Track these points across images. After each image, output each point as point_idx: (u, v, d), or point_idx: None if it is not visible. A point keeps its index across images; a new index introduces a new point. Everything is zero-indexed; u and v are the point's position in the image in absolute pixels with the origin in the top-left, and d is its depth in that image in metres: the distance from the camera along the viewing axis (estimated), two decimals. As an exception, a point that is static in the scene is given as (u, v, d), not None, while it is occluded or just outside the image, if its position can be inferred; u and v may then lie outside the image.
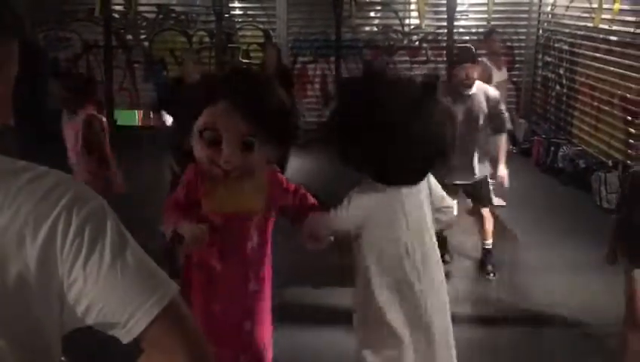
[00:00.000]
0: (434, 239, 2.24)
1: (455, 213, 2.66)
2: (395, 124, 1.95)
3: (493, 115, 3.83)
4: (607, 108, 6.28)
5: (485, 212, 4.03)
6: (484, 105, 3.80)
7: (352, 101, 2.08)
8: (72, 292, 0.83)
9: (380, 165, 2.02)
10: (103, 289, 0.82)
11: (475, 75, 3.75)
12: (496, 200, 5.03)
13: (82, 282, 0.82)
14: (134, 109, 8.67)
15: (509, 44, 8.41)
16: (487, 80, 4.64)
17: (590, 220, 5.24)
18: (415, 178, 2.10)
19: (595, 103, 6.56)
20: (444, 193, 2.33)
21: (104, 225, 0.85)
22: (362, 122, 1.97)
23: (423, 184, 2.17)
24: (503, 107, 3.90)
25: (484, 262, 4.14)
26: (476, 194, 4.03)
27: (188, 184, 1.85)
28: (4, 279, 0.80)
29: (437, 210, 2.26)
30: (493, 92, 3.87)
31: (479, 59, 4.31)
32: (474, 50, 3.84)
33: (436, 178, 2.29)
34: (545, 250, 4.58)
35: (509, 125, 3.91)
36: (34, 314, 0.83)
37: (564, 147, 6.53)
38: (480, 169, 3.90)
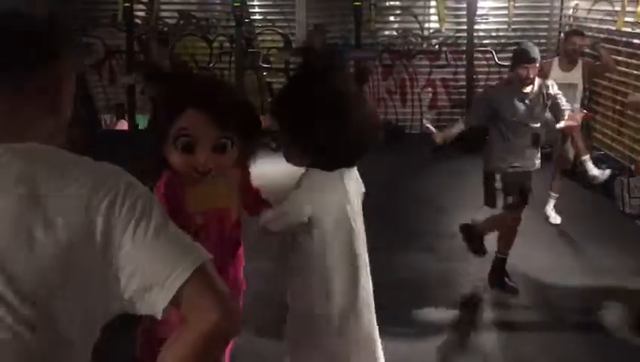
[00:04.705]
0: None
1: None
2: (336, 112, 2.07)
3: (553, 106, 3.88)
4: (630, 111, 6.20)
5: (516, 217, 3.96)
6: (544, 98, 3.81)
7: (297, 95, 2.14)
8: (120, 257, 0.96)
9: (328, 151, 2.12)
10: (147, 252, 0.97)
11: (534, 75, 3.76)
12: (553, 218, 5.06)
13: (130, 246, 0.96)
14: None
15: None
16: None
17: (613, 225, 5.18)
18: (357, 157, 2.27)
19: (618, 107, 6.47)
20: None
21: (151, 204, 1.02)
22: (307, 115, 2.06)
23: (354, 170, 2.32)
24: (562, 100, 3.91)
25: (507, 273, 4.06)
26: (522, 188, 3.91)
27: (166, 190, 1.93)
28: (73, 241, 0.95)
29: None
30: (552, 88, 3.87)
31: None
32: (537, 50, 3.81)
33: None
34: (567, 255, 4.53)
35: (566, 115, 3.94)
36: (90, 289, 0.97)
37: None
38: (537, 159, 3.91)
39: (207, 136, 1.85)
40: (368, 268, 2.35)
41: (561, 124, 4.01)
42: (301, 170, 2.20)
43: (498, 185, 3.85)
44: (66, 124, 1.14)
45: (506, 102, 3.76)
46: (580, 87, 5.14)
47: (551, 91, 3.85)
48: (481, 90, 8.27)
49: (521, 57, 3.72)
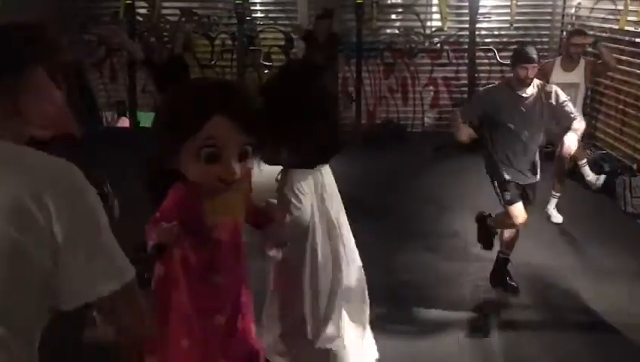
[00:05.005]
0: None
1: None
2: (314, 111, 2.12)
3: (561, 115, 3.75)
4: (632, 111, 6.19)
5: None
6: (544, 105, 3.73)
7: (277, 97, 2.13)
8: (60, 256, 1.05)
9: (309, 150, 2.18)
10: (84, 259, 1.07)
11: (533, 75, 3.71)
12: (555, 217, 5.05)
13: (70, 249, 1.05)
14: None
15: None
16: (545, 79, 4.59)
17: (614, 225, 5.17)
18: (334, 154, 2.32)
19: (620, 106, 6.46)
20: None
21: (98, 212, 1.11)
22: (288, 116, 2.09)
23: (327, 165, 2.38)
24: (570, 107, 3.78)
25: (509, 272, 4.05)
26: (527, 194, 3.89)
27: (183, 204, 1.79)
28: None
29: None
30: (559, 96, 3.75)
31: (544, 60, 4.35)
32: (536, 51, 3.77)
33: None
34: (568, 254, 4.53)
35: (578, 125, 3.80)
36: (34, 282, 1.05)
37: (588, 150, 6.44)
38: (539, 170, 3.86)
39: (234, 144, 1.72)
40: (355, 262, 2.48)
41: (564, 143, 3.80)
42: (276, 169, 2.25)
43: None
44: (31, 126, 1.19)
45: (501, 105, 3.72)
46: (582, 86, 5.11)
47: (555, 100, 3.72)
48: (482, 88, 8.29)
49: (520, 57, 3.70)
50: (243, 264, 2.00)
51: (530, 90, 3.73)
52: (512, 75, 3.82)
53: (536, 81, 3.77)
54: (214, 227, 1.82)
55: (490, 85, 4.07)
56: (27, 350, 1.09)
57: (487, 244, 4.08)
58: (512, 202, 3.76)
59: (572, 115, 3.75)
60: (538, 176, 3.89)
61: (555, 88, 3.82)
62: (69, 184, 1.07)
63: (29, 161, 1.07)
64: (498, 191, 3.84)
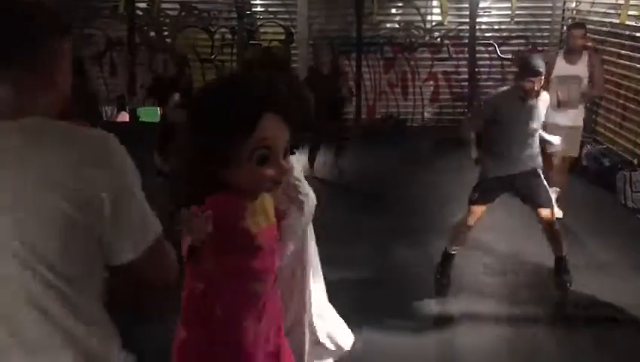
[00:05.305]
0: None
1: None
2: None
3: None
4: (632, 105, 6.18)
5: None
6: (541, 112, 3.75)
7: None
8: (110, 222, 1.20)
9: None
10: (127, 221, 1.23)
11: (540, 87, 3.67)
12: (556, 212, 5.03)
13: (117, 216, 1.20)
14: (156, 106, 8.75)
15: (532, 40, 8.32)
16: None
17: (615, 219, 5.17)
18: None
19: (621, 101, 6.45)
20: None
21: (137, 182, 1.25)
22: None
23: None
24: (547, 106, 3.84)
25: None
26: (529, 195, 3.86)
27: (230, 215, 1.61)
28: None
29: None
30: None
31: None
32: (543, 62, 3.74)
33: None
34: (568, 249, 4.53)
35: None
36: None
37: (589, 145, 6.44)
38: (526, 161, 3.80)
39: (282, 142, 1.60)
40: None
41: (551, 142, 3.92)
42: None
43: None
44: (63, 98, 1.27)
45: (508, 111, 3.69)
46: (586, 80, 5.08)
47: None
48: (482, 83, 8.28)
49: (527, 70, 3.61)
50: (276, 269, 1.87)
51: (535, 100, 3.72)
52: (513, 85, 3.78)
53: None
54: (257, 235, 1.68)
55: (498, 91, 4.01)
56: (93, 305, 1.26)
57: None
58: (476, 202, 3.86)
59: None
60: (536, 165, 3.83)
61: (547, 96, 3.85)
62: (111, 155, 1.20)
63: (74, 137, 1.19)
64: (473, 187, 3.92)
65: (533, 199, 3.85)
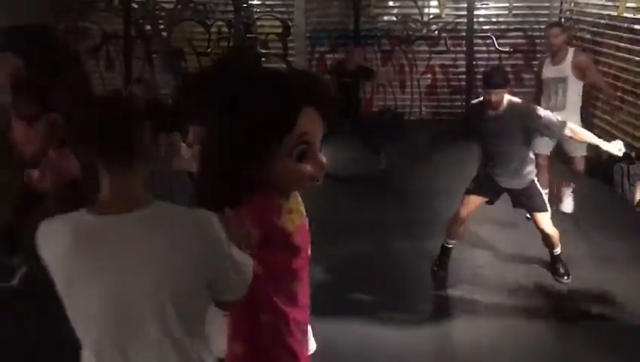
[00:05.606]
0: None
1: None
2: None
3: (546, 130, 3.73)
4: (630, 98, 6.17)
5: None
6: (516, 122, 3.68)
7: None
8: (212, 276, 1.46)
9: None
10: (225, 275, 1.47)
11: (502, 99, 3.66)
12: (566, 206, 5.01)
13: (218, 270, 1.46)
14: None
15: (529, 33, 8.30)
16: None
17: (612, 212, 5.17)
18: None
19: (619, 93, 6.44)
20: None
21: (226, 246, 1.45)
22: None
23: None
24: (551, 119, 3.69)
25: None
26: (528, 202, 3.92)
27: (267, 216, 1.57)
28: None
29: None
30: (535, 113, 3.69)
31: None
32: (505, 74, 3.73)
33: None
34: (566, 242, 4.53)
35: (566, 131, 3.69)
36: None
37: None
38: (524, 176, 3.83)
39: (319, 137, 1.56)
40: None
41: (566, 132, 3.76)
42: None
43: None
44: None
45: (477, 121, 3.79)
46: (572, 79, 4.94)
47: (536, 120, 3.66)
48: (480, 76, 8.26)
49: (485, 82, 3.66)
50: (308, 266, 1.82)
51: (502, 110, 3.69)
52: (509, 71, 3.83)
53: (512, 101, 3.72)
54: (293, 233, 1.64)
55: (473, 101, 4.09)
56: (204, 348, 1.51)
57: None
58: (469, 192, 3.94)
59: (558, 126, 3.70)
60: (525, 182, 3.83)
61: (532, 108, 3.77)
62: (209, 230, 1.41)
63: (181, 219, 1.43)
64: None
65: (527, 205, 3.96)
